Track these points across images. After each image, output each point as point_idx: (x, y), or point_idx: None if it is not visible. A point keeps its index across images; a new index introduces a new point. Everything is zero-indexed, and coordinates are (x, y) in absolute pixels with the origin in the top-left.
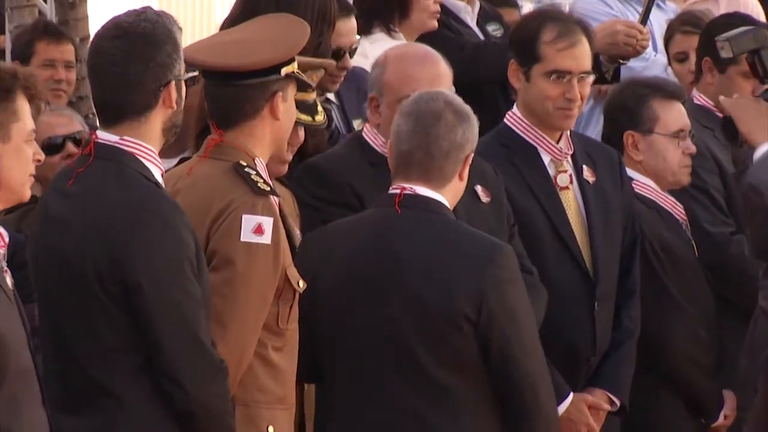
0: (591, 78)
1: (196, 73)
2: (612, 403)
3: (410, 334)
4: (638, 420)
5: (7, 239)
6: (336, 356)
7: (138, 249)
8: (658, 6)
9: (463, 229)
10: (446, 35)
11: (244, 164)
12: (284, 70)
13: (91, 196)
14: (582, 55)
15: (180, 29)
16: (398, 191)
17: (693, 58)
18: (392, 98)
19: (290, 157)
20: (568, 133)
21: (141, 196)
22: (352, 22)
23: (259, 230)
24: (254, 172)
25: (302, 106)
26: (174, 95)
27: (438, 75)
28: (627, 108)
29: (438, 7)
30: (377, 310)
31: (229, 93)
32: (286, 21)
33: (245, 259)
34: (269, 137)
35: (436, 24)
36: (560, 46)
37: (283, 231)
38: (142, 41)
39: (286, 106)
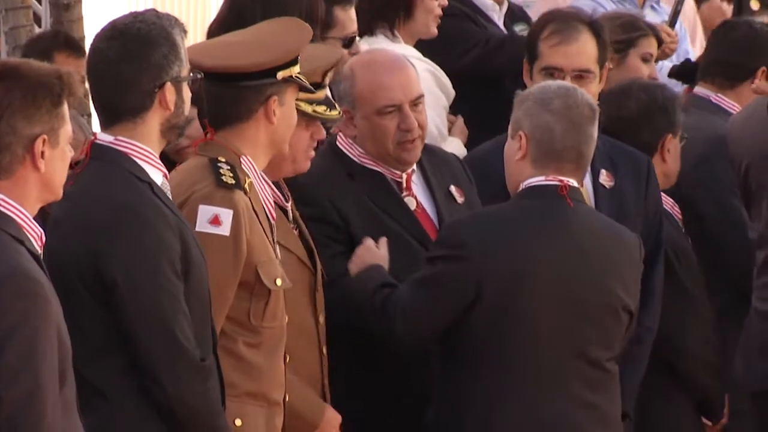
0: (593, 77)
1: (200, 75)
2: None
3: (591, 324)
4: (650, 420)
5: (44, 239)
6: (503, 344)
7: (115, 247)
8: (653, 8)
9: (609, 221)
10: (473, 29)
11: (222, 159)
12: (281, 74)
13: (80, 196)
14: (576, 53)
15: (184, 31)
16: (559, 183)
17: (653, 63)
18: (368, 110)
19: (312, 153)
20: None
21: (123, 196)
22: (354, 11)
23: (215, 221)
24: (227, 167)
25: (321, 102)
26: (171, 97)
27: (409, 80)
28: (667, 111)
29: (440, 11)
30: (566, 300)
31: (224, 94)
32: (288, 25)
33: None
34: (263, 140)
35: (436, 30)
36: (552, 43)
37: (257, 228)
38: (135, 42)
39: (283, 110)
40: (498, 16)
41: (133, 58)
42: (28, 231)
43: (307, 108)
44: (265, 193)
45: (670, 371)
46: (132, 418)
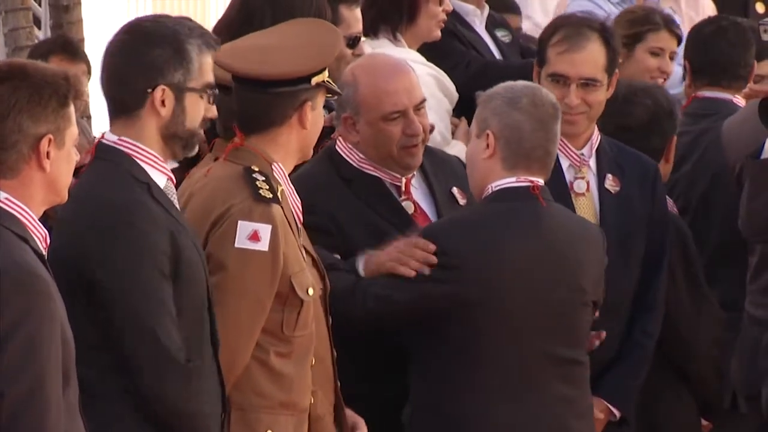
0: (600, 85)
1: (214, 91)
2: (611, 413)
3: (564, 321)
4: (655, 421)
5: (49, 241)
6: (485, 345)
7: (98, 246)
8: None
9: (576, 216)
10: (456, 48)
11: (256, 169)
12: (315, 80)
13: (76, 195)
14: (583, 61)
15: (211, 47)
16: (530, 184)
17: (667, 57)
18: (373, 116)
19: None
20: (597, 140)
21: (113, 196)
22: (359, 11)
23: (254, 237)
24: (262, 178)
25: None
26: (168, 102)
27: (412, 84)
28: (673, 114)
29: (444, 16)
30: (542, 300)
31: (258, 100)
32: (319, 28)
33: (238, 264)
34: (295, 145)
35: (439, 34)
36: (560, 50)
37: (291, 238)
38: (137, 38)
39: (314, 114)
40: (479, 21)
41: (130, 53)
42: (32, 231)
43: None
44: (294, 198)
45: (679, 370)
46: (120, 418)
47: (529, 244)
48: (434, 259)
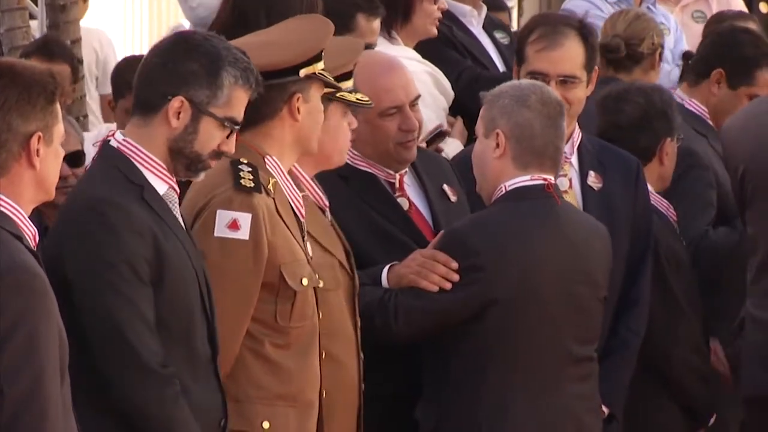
0: (579, 82)
1: (237, 126)
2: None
3: (584, 317)
4: (639, 424)
5: (38, 239)
6: (511, 345)
7: (72, 246)
8: (649, 9)
9: (585, 213)
10: (450, 56)
11: (243, 161)
12: (303, 71)
13: (70, 194)
14: (561, 59)
15: (244, 78)
16: (544, 182)
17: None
18: (370, 113)
19: (349, 144)
20: (578, 137)
21: (95, 196)
22: (378, 23)
23: (234, 226)
24: (248, 169)
25: (356, 90)
26: (182, 114)
27: (408, 80)
28: (667, 115)
29: (439, 14)
30: (565, 298)
31: None
32: (310, 22)
33: (218, 254)
34: (289, 138)
35: (435, 31)
36: (537, 48)
37: (281, 229)
38: (181, 45)
39: (308, 106)
40: (476, 22)
41: (167, 57)
42: (23, 230)
43: (352, 98)
44: (292, 192)
45: (659, 377)
46: (93, 419)
47: (550, 241)
48: (455, 276)
